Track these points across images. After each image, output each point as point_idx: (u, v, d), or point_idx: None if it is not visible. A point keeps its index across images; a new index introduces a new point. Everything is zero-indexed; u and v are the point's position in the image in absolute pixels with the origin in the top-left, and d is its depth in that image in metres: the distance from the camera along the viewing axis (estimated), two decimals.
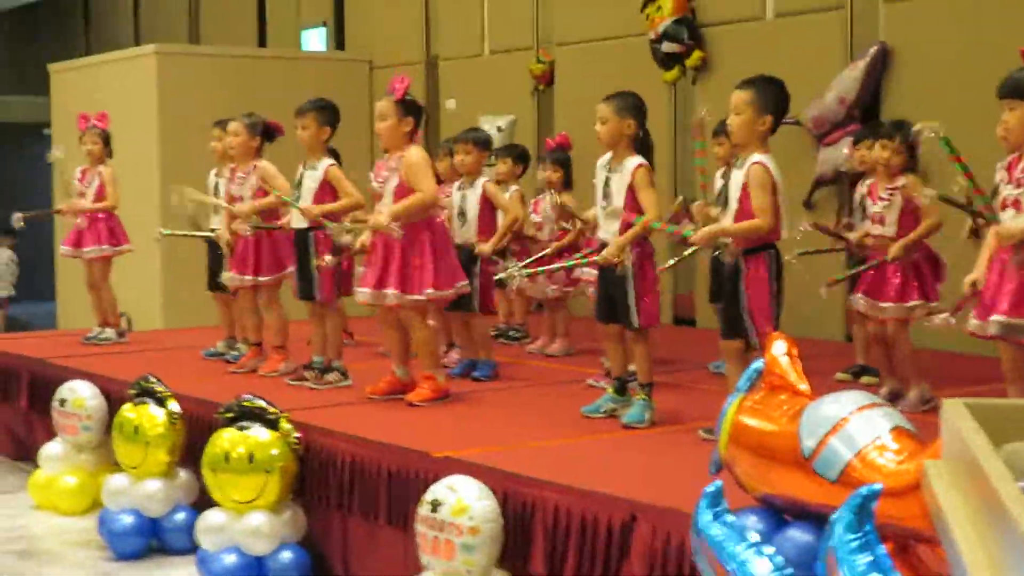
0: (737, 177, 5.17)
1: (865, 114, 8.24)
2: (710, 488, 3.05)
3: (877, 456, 3.01)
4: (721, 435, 3.53)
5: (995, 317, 4.64)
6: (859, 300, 6.03)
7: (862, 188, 6.60)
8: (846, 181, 7.88)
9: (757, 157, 5.12)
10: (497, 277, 6.82)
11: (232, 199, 7.29)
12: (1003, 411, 1.91)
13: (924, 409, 5.81)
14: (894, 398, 6.00)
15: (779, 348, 3.50)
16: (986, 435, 1.66)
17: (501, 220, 7.30)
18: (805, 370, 6.86)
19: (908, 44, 8.12)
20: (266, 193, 7.07)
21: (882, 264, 5.94)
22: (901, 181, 5.95)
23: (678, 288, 9.84)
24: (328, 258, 6.54)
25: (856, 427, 3.08)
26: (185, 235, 8.14)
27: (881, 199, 6.00)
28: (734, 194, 5.16)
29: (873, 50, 8.17)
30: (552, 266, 6.83)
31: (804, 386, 3.41)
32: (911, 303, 5.88)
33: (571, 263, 6.59)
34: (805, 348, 7.68)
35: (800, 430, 3.17)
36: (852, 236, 6.33)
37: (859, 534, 2.44)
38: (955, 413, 1.84)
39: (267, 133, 7.27)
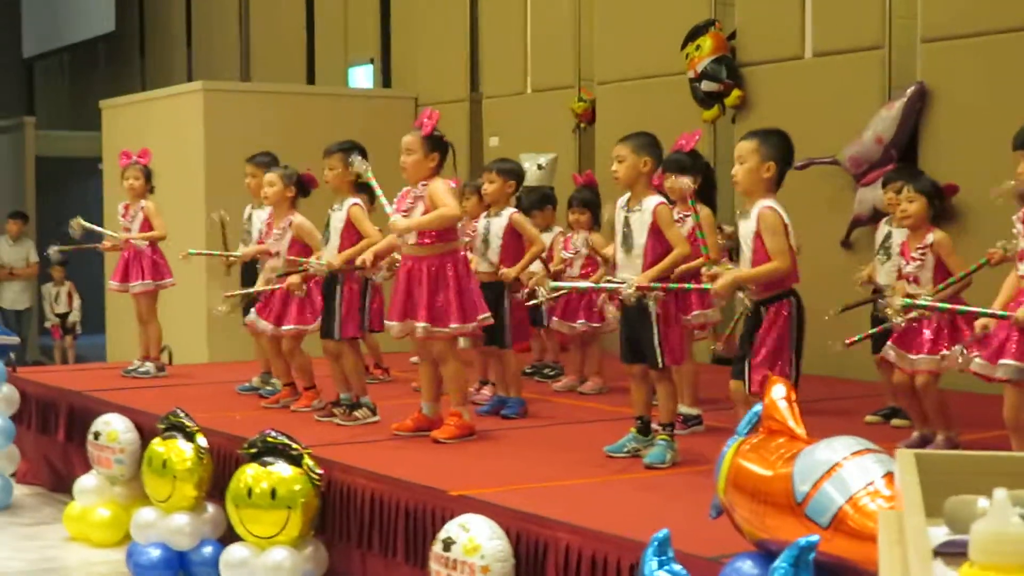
0: (746, 227, 5.16)
1: (903, 154, 8.20)
2: (658, 535, 3.04)
3: (869, 502, 2.99)
4: (719, 479, 3.52)
5: (1005, 361, 4.59)
6: (889, 350, 5.95)
7: (887, 228, 6.58)
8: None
9: (765, 202, 5.13)
10: (528, 298, 6.95)
11: (267, 253, 7.37)
12: (955, 463, 1.90)
13: None
14: (924, 443, 5.96)
15: (778, 392, 3.49)
16: (920, 488, 1.66)
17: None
18: (835, 411, 6.90)
19: (946, 84, 8.08)
20: (302, 245, 7.14)
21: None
22: (931, 238, 5.87)
23: (719, 327, 9.79)
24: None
25: (849, 472, 3.06)
26: (212, 254, 8.20)
27: (913, 259, 5.89)
28: (747, 243, 5.14)
29: (911, 90, 8.14)
30: (581, 285, 6.89)
31: (801, 430, 3.39)
32: (942, 354, 5.77)
33: (599, 286, 6.62)
34: (836, 389, 7.80)
35: (794, 475, 3.16)
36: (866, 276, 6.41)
37: None
38: (904, 464, 1.84)
39: (301, 185, 7.32)
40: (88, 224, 8.80)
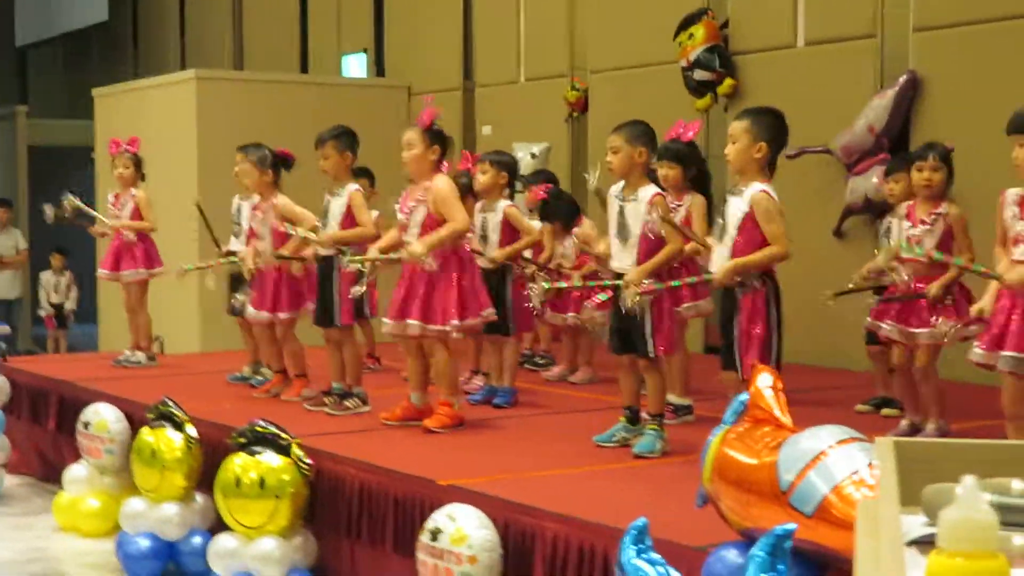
0: (735, 205, 5.16)
1: (894, 143, 8.18)
2: (636, 524, 3.03)
3: (854, 491, 2.98)
4: (705, 468, 3.51)
5: (1007, 352, 4.58)
6: (889, 328, 5.91)
7: (891, 218, 6.53)
8: (876, 210, 7.83)
9: (759, 186, 5.13)
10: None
11: (252, 234, 7.36)
12: (935, 450, 1.88)
13: None
14: (914, 431, 5.95)
15: (764, 381, 3.48)
16: (900, 477, 1.64)
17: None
18: (826, 400, 6.90)
19: (938, 73, 8.06)
20: (285, 231, 7.11)
21: (919, 298, 5.79)
22: (944, 207, 5.81)
23: (710, 316, 9.78)
24: (355, 288, 6.53)
25: (834, 461, 3.05)
26: (205, 267, 8.08)
27: (923, 222, 5.81)
28: (732, 222, 5.15)
29: (903, 79, 8.12)
30: (576, 284, 6.87)
31: (787, 419, 3.38)
32: (936, 321, 5.75)
33: (594, 283, 6.61)
34: (828, 378, 7.79)
35: (779, 464, 3.15)
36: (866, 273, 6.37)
37: (772, 574, 2.41)
38: (882, 453, 1.82)
39: (280, 163, 7.31)
40: (80, 204, 8.73)
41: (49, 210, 8.93)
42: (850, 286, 6.46)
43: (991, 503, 1.56)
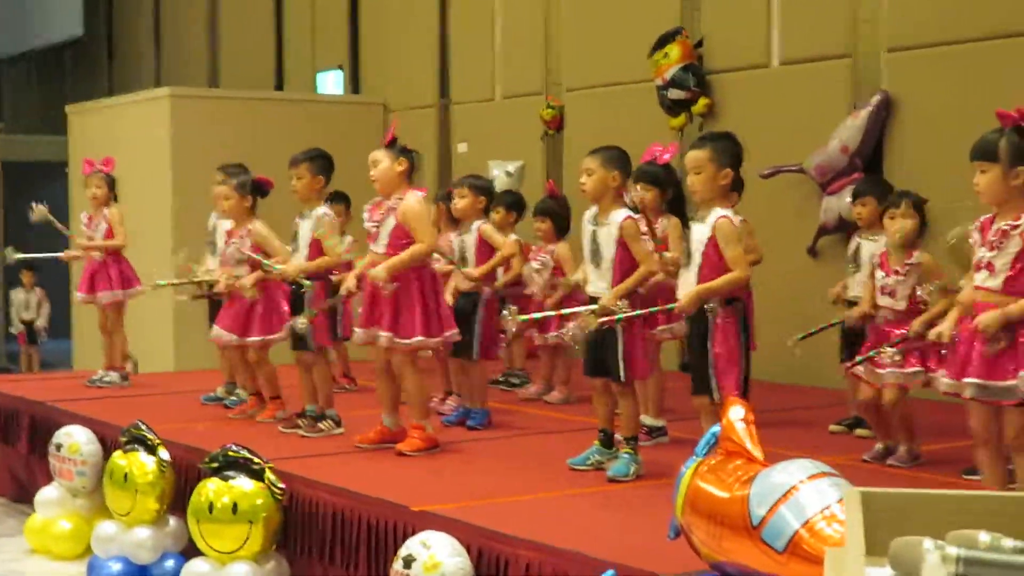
0: (700, 232, 5.18)
1: (868, 163, 8.21)
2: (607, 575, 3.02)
3: (825, 526, 2.98)
4: (677, 500, 3.51)
5: (969, 379, 4.58)
6: (858, 365, 5.93)
7: (859, 241, 6.53)
8: (850, 229, 7.85)
9: (720, 212, 5.15)
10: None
11: (225, 260, 7.31)
12: (904, 500, 1.89)
13: (912, 465, 5.81)
14: (887, 454, 5.97)
15: (736, 413, 3.48)
16: (867, 525, 1.64)
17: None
18: (800, 420, 6.91)
19: (911, 93, 8.10)
20: (261, 252, 7.06)
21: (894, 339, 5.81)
22: (917, 257, 5.84)
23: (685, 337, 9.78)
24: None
25: (805, 496, 3.05)
26: (180, 283, 8.00)
27: (896, 272, 5.86)
28: (697, 248, 5.17)
29: (876, 99, 8.16)
30: (549, 313, 6.85)
31: (758, 452, 3.38)
32: (911, 370, 5.78)
33: (568, 312, 6.60)
34: (802, 398, 7.78)
35: (750, 498, 3.15)
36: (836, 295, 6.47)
37: None
38: (850, 503, 1.82)
39: (258, 189, 7.26)
40: (50, 216, 8.59)
41: (10, 252, 8.86)
42: (812, 330, 6.66)
43: (958, 557, 1.56)
